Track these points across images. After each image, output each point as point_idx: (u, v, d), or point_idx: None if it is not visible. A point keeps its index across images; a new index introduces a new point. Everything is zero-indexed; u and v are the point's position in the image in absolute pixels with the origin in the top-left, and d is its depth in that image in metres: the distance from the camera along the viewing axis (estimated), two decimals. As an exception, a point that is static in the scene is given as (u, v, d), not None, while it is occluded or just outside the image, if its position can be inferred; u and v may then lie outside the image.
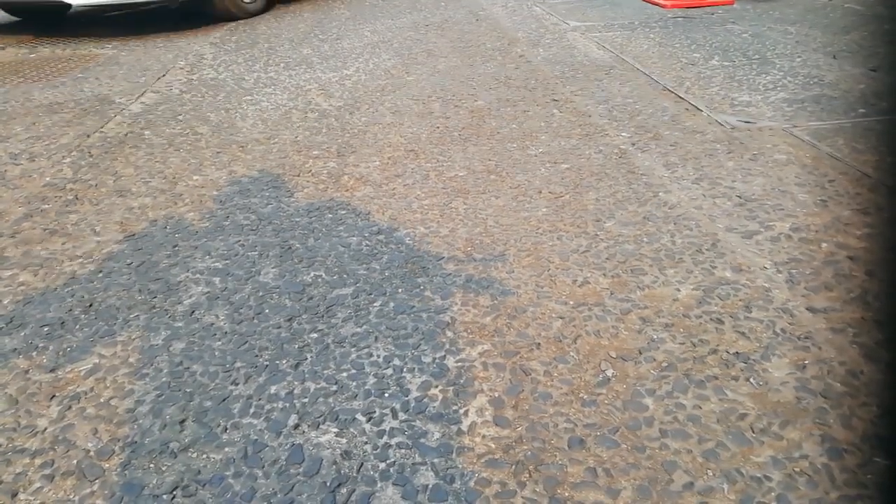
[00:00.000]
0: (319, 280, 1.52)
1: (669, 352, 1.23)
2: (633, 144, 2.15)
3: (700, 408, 1.10)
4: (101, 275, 1.59)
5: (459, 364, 1.22)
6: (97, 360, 1.28)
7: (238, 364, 1.25)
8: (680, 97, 2.53)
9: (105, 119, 2.73)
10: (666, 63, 2.98)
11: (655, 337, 1.27)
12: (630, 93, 2.63)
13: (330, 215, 1.82)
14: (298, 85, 3.08)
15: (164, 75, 3.38)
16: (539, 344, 1.27)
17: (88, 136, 2.55)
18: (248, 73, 3.32)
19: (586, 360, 1.22)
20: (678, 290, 1.41)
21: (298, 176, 2.09)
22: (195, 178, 2.12)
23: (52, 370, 1.26)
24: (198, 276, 1.56)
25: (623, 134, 2.24)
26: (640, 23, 3.74)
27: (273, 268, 1.58)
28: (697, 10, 3.89)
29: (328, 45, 3.81)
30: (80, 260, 1.66)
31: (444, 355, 1.25)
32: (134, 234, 1.78)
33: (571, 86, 2.77)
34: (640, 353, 1.23)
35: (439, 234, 1.69)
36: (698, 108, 2.40)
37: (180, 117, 2.71)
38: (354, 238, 1.69)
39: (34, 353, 1.32)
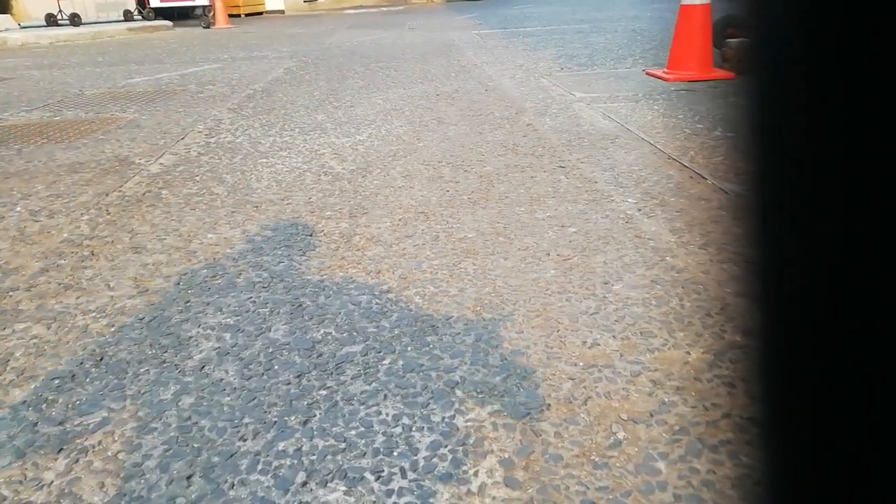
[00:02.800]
0: (329, 337, 1.52)
1: (681, 415, 1.22)
2: (639, 210, 2.19)
3: (715, 473, 1.08)
4: (113, 329, 1.60)
5: (469, 424, 1.21)
6: (106, 414, 1.28)
7: (247, 420, 1.25)
8: (684, 165, 2.59)
9: (124, 179, 2.81)
10: (670, 133, 3.07)
11: (667, 400, 1.26)
12: (635, 161, 2.70)
13: (341, 274, 1.84)
14: (313, 149, 3.17)
15: (183, 138, 3.49)
16: (549, 405, 1.26)
17: (107, 194, 2.61)
18: (265, 138, 3.44)
19: (597, 422, 1.21)
20: (688, 353, 1.41)
21: (311, 236, 2.13)
22: (210, 236, 2.16)
23: (61, 423, 1.26)
24: (209, 331, 1.57)
25: (629, 200, 2.29)
26: (644, 95, 3.87)
27: (283, 324, 1.59)
28: (700, 84, 4.02)
29: (342, 112, 3.95)
30: (94, 314, 1.68)
31: (454, 415, 1.24)
32: (147, 290, 1.80)
33: (578, 153, 2.85)
34: (652, 415, 1.22)
35: (448, 293, 1.70)
36: (703, 176, 2.46)
37: (197, 178, 2.79)
38: (364, 296, 1.71)
39: (44, 406, 1.32)
